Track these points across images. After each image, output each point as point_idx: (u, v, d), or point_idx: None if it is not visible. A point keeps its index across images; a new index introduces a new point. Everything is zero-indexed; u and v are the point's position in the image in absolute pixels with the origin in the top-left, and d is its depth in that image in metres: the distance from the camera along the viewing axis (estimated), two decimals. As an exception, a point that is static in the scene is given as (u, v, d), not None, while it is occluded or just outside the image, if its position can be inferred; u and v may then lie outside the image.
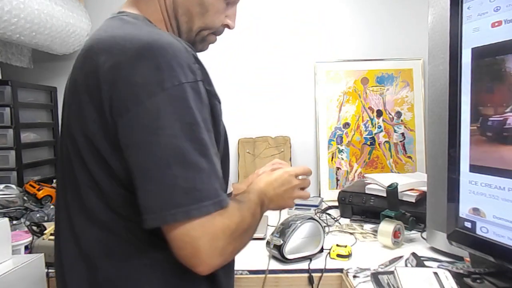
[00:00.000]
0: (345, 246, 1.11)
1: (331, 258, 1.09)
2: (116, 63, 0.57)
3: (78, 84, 0.62)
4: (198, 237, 0.54)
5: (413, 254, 1.01)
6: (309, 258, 1.09)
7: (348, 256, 1.08)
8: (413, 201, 1.34)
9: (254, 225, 0.67)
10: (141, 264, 0.61)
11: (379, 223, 1.20)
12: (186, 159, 0.54)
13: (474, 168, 0.79)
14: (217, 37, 0.77)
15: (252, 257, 1.13)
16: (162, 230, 0.56)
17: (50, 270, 1.04)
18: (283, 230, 1.08)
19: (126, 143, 0.56)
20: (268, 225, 1.41)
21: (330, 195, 1.81)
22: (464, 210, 0.82)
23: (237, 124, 1.90)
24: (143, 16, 0.68)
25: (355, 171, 1.87)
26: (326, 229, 1.34)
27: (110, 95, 0.56)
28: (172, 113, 0.54)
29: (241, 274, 1.03)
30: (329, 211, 1.60)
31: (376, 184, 1.47)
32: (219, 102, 0.65)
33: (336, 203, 1.57)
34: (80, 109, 0.61)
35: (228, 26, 0.76)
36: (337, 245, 1.11)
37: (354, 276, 0.96)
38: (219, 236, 0.56)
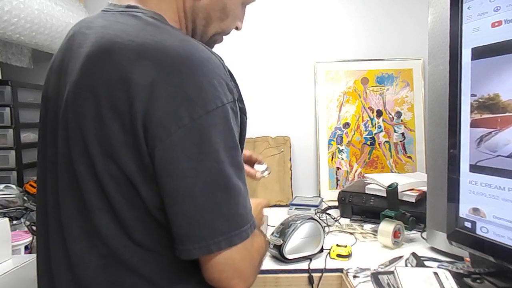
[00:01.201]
0: (345, 246, 1.11)
1: (331, 258, 1.09)
2: (153, 79, 0.51)
3: (95, 93, 0.54)
4: (240, 260, 0.55)
5: (413, 254, 1.01)
6: (309, 258, 1.09)
7: (348, 256, 1.08)
8: (413, 201, 1.34)
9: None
10: None
11: (379, 223, 1.20)
12: (229, 184, 0.53)
13: (474, 168, 0.79)
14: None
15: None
16: (199, 257, 0.55)
17: (50, 270, 1.04)
18: (283, 230, 1.08)
19: (165, 168, 0.51)
20: (268, 225, 1.41)
21: (330, 195, 1.81)
22: (464, 210, 0.82)
23: (237, 124, 1.89)
24: (161, 15, 0.61)
25: (355, 171, 1.87)
26: (326, 229, 1.34)
27: (145, 115, 0.50)
28: (216, 137, 0.52)
29: (241, 274, 1.03)
30: (329, 211, 1.60)
31: (376, 184, 1.47)
32: (247, 118, 0.64)
33: (336, 203, 1.57)
34: (100, 125, 0.53)
35: (237, 28, 0.75)
36: (337, 245, 1.11)
37: (354, 276, 0.96)
38: (255, 256, 0.58)
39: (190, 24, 0.67)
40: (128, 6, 0.61)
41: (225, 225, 0.53)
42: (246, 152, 0.98)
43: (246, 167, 0.94)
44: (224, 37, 0.75)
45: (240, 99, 0.60)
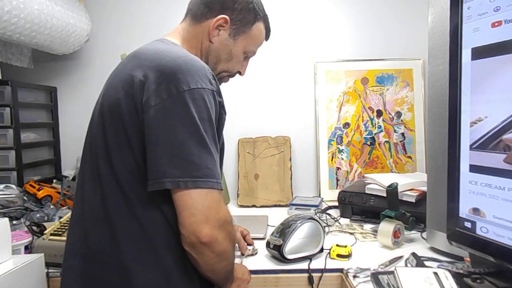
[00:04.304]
0: (345, 246, 1.11)
1: (331, 258, 1.09)
2: (161, 72, 0.73)
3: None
4: (207, 207, 0.68)
5: (413, 254, 1.01)
6: (309, 258, 1.09)
7: (348, 256, 1.08)
8: (413, 201, 1.34)
9: (230, 257, 0.78)
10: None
11: (379, 223, 1.20)
12: (203, 142, 0.69)
13: (474, 168, 0.79)
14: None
15: (253, 257, 1.13)
16: (177, 198, 0.68)
17: (50, 270, 1.04)
18: (283, 230, 1.08)
19: (155, 123, 0.69)
20: (268, 225, 1.41)
21: (330, 195, 1.81)
22: (464, 210, 0.82)
23: (237, 124, 1.90)
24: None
25: (355, 171, 1.87)
26: (326, 229, 1.34)
27: (145, 91, 0.72)
28: (193, 107, 0.69)
29: (241, 274, 1.03)
30: (329, 211, 1.60)
31: (376, 184, 1.47)
32: (225, 113, 0.80)
33: (336, 203, 1.57)
34: (115, 97, 0.76)
35: (240, 73, 0.99)
36: (337, 245, 1.11)
37: (354, 276, 0.96)
38: (221, 208, 0.71)
39: (204, 59, 0.89)
40: (163, 39, 0.88)
41: (194, 171, 0.68)
42: (244, 231, 1.20)
43: (241, 242, 1.15)
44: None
45: (219, 94, 0.77)
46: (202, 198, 0.68)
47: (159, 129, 0.69)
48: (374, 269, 0.97)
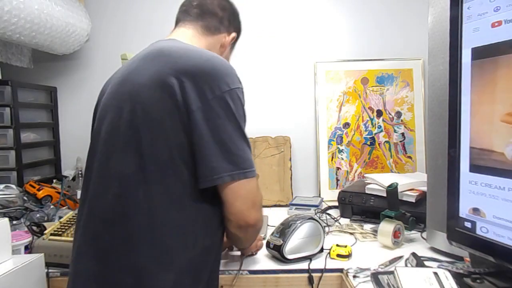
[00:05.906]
0: (345, 246, 1.11)
1: (331, 258, 1.09)
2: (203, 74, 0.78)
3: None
4: (255, 195, 0.78)
5: (413, 254, 1.01)
6: (309, 258, 1.09)
7: (348, 256, 1.08)
8: (413, 201, 1.34)
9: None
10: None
11: (379, 223, 1.20)
12: (244, 137, 0.78)
13: (474, 168, 0.79)
14: None
15: (253, 257, 1.13)
16: (229, 190, 0.75)
17: (50, 270, 1.04)
18: (283, 230, 1.08)
19: (203, 121, 0.73)
20: (268, 225, 1.41)
21: (330, 195, 1.81)
22: (464, 210, 0.82)
23: (237, 124, 1.89)
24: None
25: (355, 171, 1.87)
26: (326, 229, 1.34)
27: (188, 92, 0.75)
28: (233, 106, 0.76)
29: (241, 274, 1.03)
30: (329, 211, 1.60)
31: (376, 184, 1.47)
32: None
33: (336, 203, 1.57)
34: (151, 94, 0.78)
35: None
36: (337, 245, 1.11)
37: (354, 276, 0.96)
38: (259, 192, 0.81)
39: None
40: (175, 40, 0.90)
41: (243, 163, 0.76)
42: None
43: None
44: None
45: (243, 94, 0.84)
46: (250, 186, 0.77)
47: (209, 128, 0.74)
48: (374, 269, 0.97)
